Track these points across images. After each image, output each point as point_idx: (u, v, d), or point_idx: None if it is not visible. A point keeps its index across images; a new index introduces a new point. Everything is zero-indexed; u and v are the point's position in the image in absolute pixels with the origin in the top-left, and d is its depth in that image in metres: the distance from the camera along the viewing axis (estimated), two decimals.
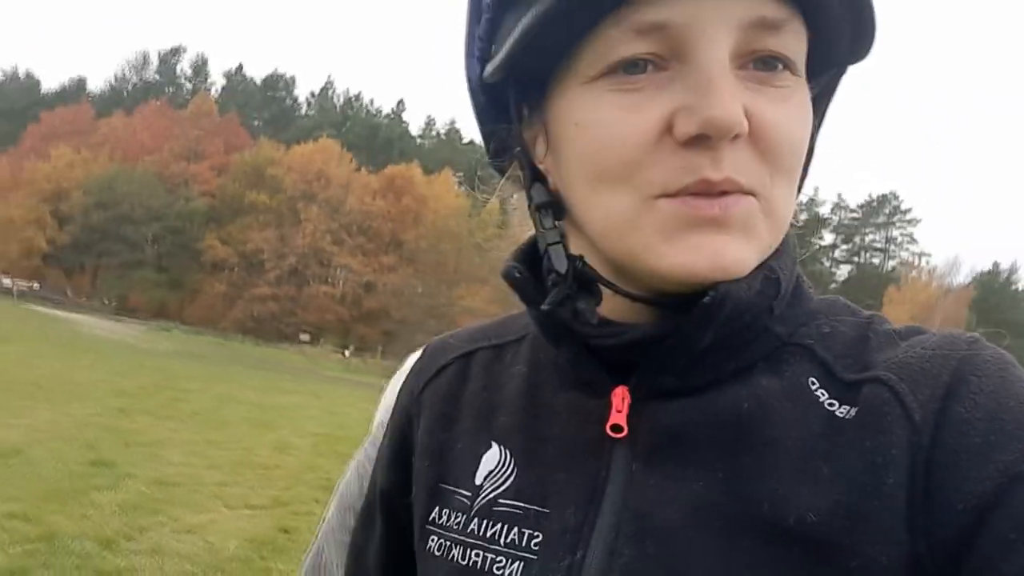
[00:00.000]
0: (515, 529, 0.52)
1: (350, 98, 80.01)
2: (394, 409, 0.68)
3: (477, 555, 0.53)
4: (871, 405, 0.47)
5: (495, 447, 0.57)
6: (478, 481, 0.56)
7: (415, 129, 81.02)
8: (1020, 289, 58.92)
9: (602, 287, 0.51)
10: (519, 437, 0.56)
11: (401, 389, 0.68)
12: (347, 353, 43.89)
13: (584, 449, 0.53)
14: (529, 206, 0.55)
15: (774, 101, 0.46)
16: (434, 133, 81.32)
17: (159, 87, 77.36)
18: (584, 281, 0.51)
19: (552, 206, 0.53)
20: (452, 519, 0.56)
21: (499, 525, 0.53)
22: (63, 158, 53.79)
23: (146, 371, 15.05)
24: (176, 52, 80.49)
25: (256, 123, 72.72)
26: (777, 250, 0.51)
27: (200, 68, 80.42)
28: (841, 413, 0.48)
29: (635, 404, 0.51)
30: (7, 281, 43.60)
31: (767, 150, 0.46)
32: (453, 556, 0.54)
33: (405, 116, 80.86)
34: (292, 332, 47.88)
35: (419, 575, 0.60)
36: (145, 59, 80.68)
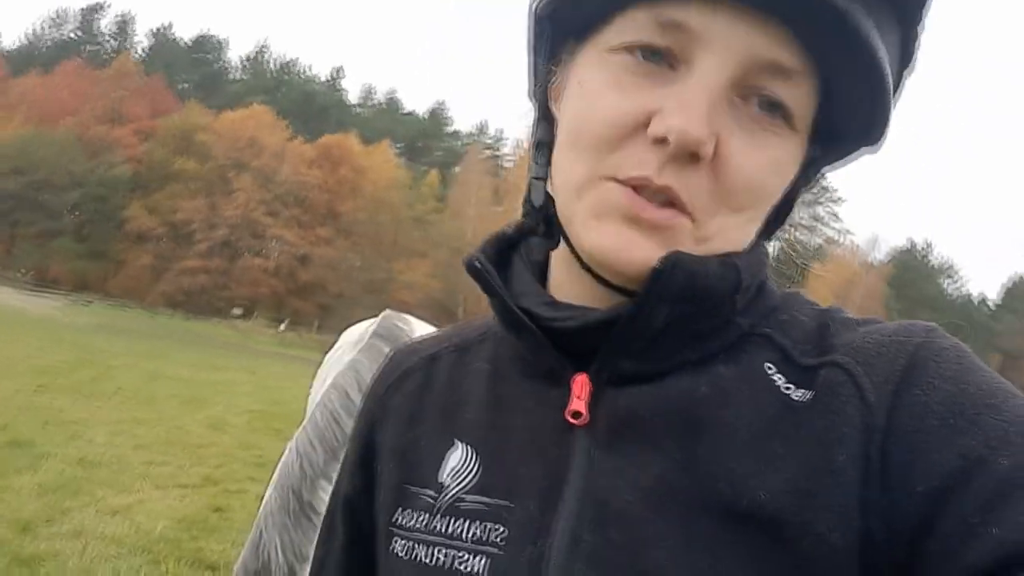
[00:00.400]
0: (478, 524, 0.52)
1: (285, 63, 77.33)
2: (358, 415, 0.68)
3: (442, 553, 0.53)
4: (826, 387, 0.48)
5: (459, 444, 0.57)
6: (442, 480, 0.56)
7: (353, 98, 79.01)
8: (934, 266, 62.29)
9: (564, 260, 0.54)
10: (482, 432, 0.57)
11: (366, 395, 0.69)
12: (281, 327, 42.96)
13: (546, 438, 0.53)
14: (531, 140, 0.59)
15: (753, 143, 0.48)
16: (373, 102, 79.53)
17: (77, 45, 72.92)
18: (549, 224, 0.55)
19: (548, 147, 0.57)
20: (417, 520, 0.56)
21: (463, 522, 0.53)
22: None
23: (67, 346, 14.39)
24: (97, 9, 75.88)
25: (183, 86, 69.48)
26: (739, 253, 0.52)
27: (124, 26, 76.10)
28: (797, 396, 0.49)
29: (596, 392, 0.52)
30: None
31: (722, 184, 0.48)
32: (418, 556, 0.54)
33: (343, 84, 78.65)
34: (224, 306, 46.43)
35: None
36: (63, 15, 75.82)
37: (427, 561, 0.53)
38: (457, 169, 62.72)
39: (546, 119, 0.58)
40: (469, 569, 0.51)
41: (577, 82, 0.53)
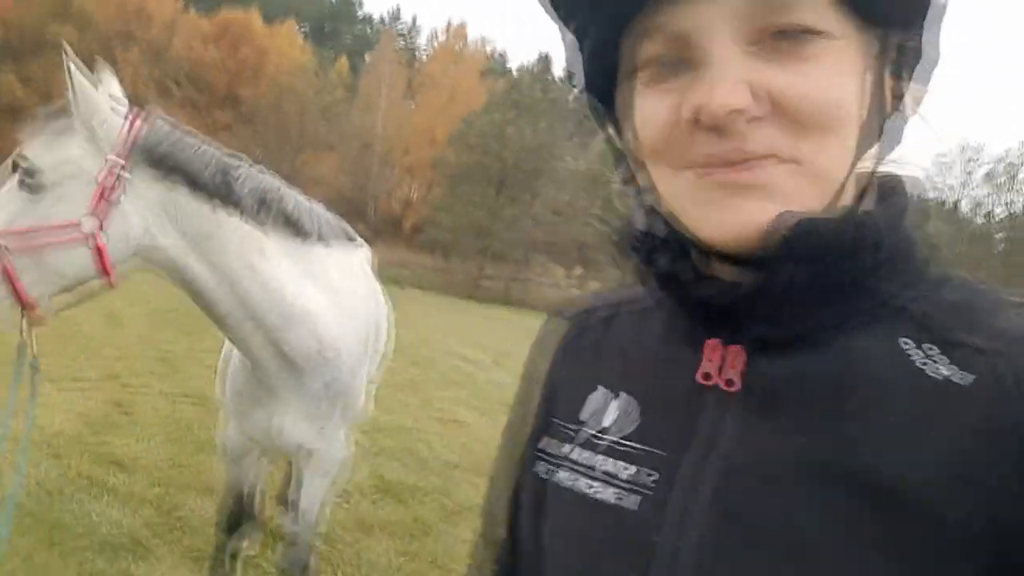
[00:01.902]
0: (633, 467, 0.59)
1: None
2: (536, 363, 0.75)
3: (598, 485, 0.60)
4: (982, 376, 0.48)
5: (622, 395, 0.64)
6: (604, 424, 0.63)
7: None
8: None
9: (693, 248, 0.58)
10: (639, 386, 0.63)
11: (540, 345, 0.76)
12: None
13: (693, 398, 0.58)
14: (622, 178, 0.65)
15: (790, 69, 0.50)
16: None
17: None
18: (679, 244, 0.59)
19: (632, 180, 0.63)
20: (579, 454, 0.63)
21: (619, 462, 0.60)
22: None
23: None
24: None
25: None
26: (875, 200, 0.55)
27: None
28: (953, 379, 0.49)
29: (745, 360, 0.56)
30: None
31: (788, 116, 0.50)
32: (575, 484, 0.62)
33: None
34: None
35: (532, 494, 0.67)
36: None
37: (584, 490, 0.61)
38: (368, 58, 59.73)
39: (623, 159, 0.65)
40: (620, 503, 0.58)
41: (624, 117, 0.60)
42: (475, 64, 57.47)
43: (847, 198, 0.55)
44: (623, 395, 0.64)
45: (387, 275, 2.85)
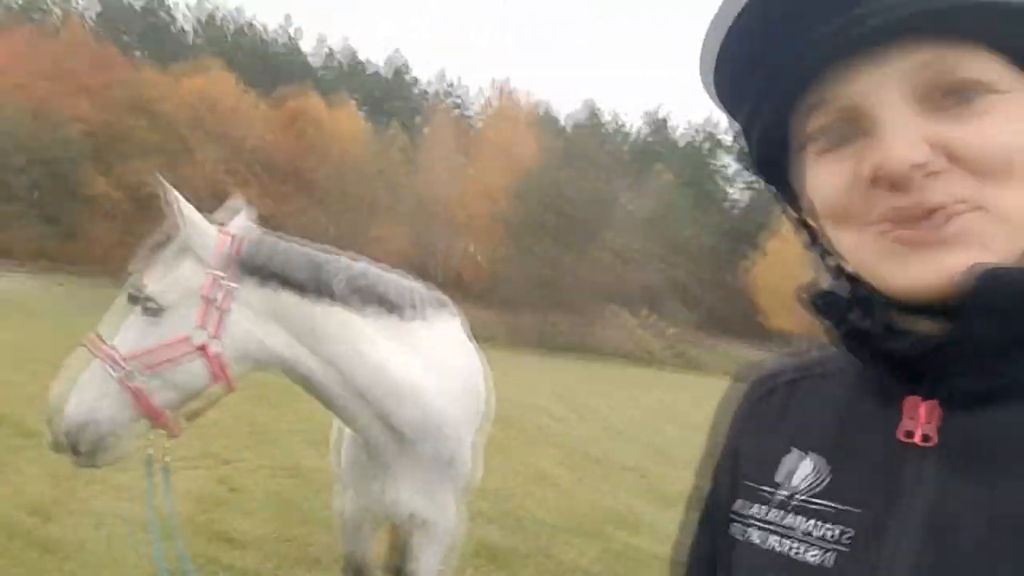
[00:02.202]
0: (826, 525, 0.59)
1: (238, 21, 74.82)
2: (720, 427, 0.79)
3: (789, 544, 0.61)
4: None
5: (809, 455, 0.65)
6: (795, 483, 0.64)
7: (306, 47, 77.07)
8: None
9: (883, 303, 0.59)
10: (829, 446, 0.64)
11: (730, 410, 0.79)
12: None
13: (889, 456, 0.58)
14: (808, 248, 0.68)
15: (966, 124, 0.52)
16: (327, 51, 77.54)
17: (21, 13, 69.59)
18: (863, 299, 0.61)
19: (815, 246, 0.66)
20: (767, 513, 0.65)
21: (811, 520, 0.61)
22: None
23: (44, 326, 14.12)
24: None
25: (136, 52, 66.98)
26: None
27: None
28: None
29: (944, 415, 0.56)
30: None
31: (972, 166, 0.52)
32: (767, 542, 0.63)
33: (293, 33, 76.47)
34: None
35: (722, 558, 0.69)
36: None
37: (776, 549, 0.62)
38: (419, 120, 61.74)
39: (806, 227, 0.67)
40: (814, 561, 0.59)
41: (801, 187, 0.63)
42: (524, 118, 58.67)
43: None
44: (814, 455, 0.64)
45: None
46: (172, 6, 73.98)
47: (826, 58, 0.55)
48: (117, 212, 47.07)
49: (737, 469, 0.72)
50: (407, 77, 75.87)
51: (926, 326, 0.56)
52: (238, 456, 6.05)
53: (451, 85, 72.09)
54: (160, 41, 71.12)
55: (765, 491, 0.66)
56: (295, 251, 2.03)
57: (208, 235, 1.92)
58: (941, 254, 0.52)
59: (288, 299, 1.96)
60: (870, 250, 0.56)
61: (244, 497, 5.04)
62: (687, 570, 0.79)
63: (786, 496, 0.64)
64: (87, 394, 1.82)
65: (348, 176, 48.70)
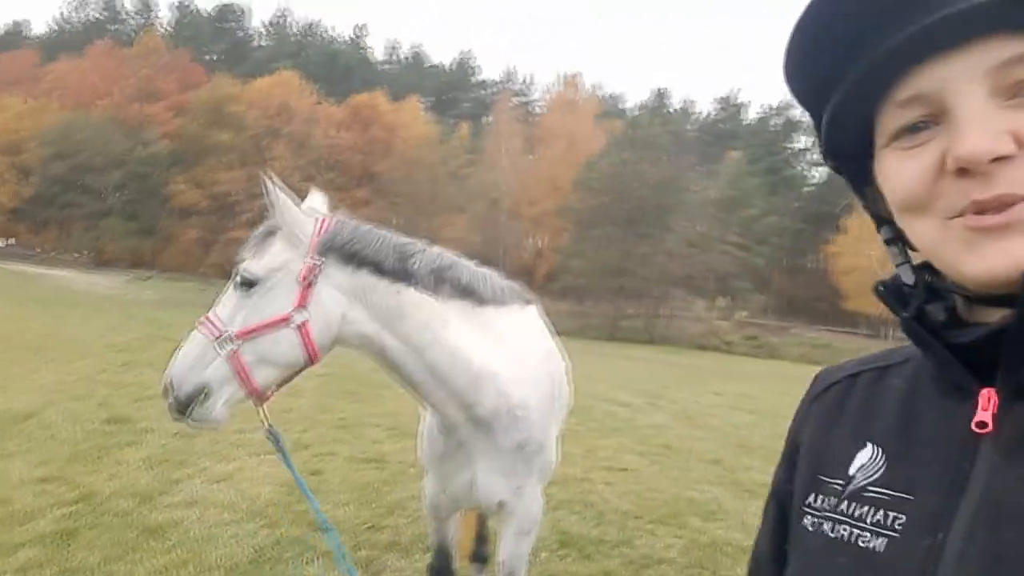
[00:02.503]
0: (881, 511, 0.62)
1: (308, 25, 76.75)
2: (791, 422, 0.81)
3: (845, 530, 0.64)
4: None
5: (869, 446, 0.67)
6: (851, 472, 0.66)
7: (378, 55, 78.31)
8: None
9: (950, 292, 0.61)
10: (891, 437, 0.66)
11: (798, 406, 0.82)
12: None
13: (950, 446, 0.60)
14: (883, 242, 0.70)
15: None
16: (398, 57, 78.66)
17: (102, 26, 73.39)
18: (933, 289, 0.63)
19: (896, 240, 0.68)
20: (825, 502, 0.67)
21: (867, 507, 0.63)
22: (11, 108, 51.40)
23: (137, 323, 14.96)
24: None
25: (209, 58, 69.65)
26: None
27: (145, 3, 76.19)
28: None
29: (1004, 403, 0.57)
30: None
31: None
32: (823, 530, 0.66)
33: (366, 41, 77.86)
34: None
35: (792, 550, 0.71)
36: None
37: (832, 535, 0.64)
38: (487, 119, 62.06)
39: (886, 222, 0.69)
40: (869, 546, 0.61)
41: (881, 178, 0.64)
42: (590, 110, 58.16)
43: None
44: (872, 445, 0.67)
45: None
46: (243, 12, 76.36)
47: (917, 53, 0.56)
48: (196, 213, 49.27)
49: (804, 463, 0.74)
50: (473, 75, 76.22)
51: (996, 317, 0.58)
52: (327, 448, 6.23)
53: (522, 82, 71.95)
54: (232, 47, 73.73)
55: (837, 484, 0.67)
56: (375, 234, 2.12)
57: (299, 218, 2.04)
58: (1011, 242, 0.53)
59: (367, 279, 2.05)
60: (945, 240, 0.58)
61: (333, 486, 5.20)
62: (762, 564, 0.81)
63: (847, 486, 0.66)
64: (188, 353, 1.97)
65: (413, 170, 49.34)
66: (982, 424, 0.57)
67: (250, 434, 6.35)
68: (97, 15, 75.81)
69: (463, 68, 76.44)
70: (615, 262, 40.89)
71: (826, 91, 0.63)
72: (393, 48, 78.72)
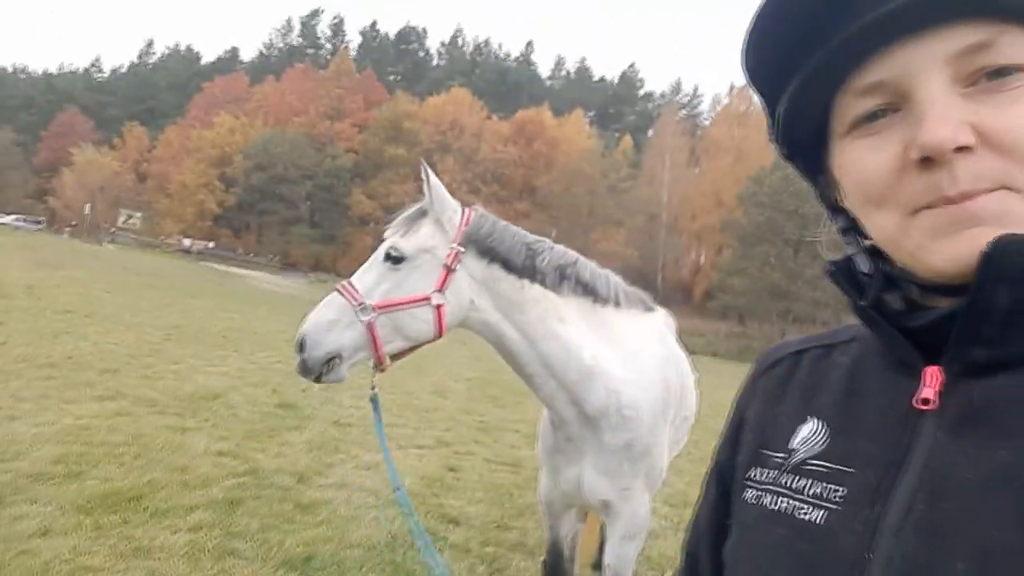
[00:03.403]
0: (821, 484, 0.61)
1: (479, 44, 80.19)
2: (736, 398, 0.82)
3: (784, 502, 0.63)
4: None
5: (812, 420, 0.67)
6: (793, 446, 0.66)
7: (544, 71, 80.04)
8: None
9: (906, 281, 0.61)
10: (834, 411, 0.66)
11: (743, 382, 0.83)
12: None
13: (892, 420, 0.60)
14: (838, 232, 0.70)
15: (1004, 105, 0.53)
16: (563, 73, 79.90)
17: (302, 50, 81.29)
18: (889, 278, 0.63)
19: (851, 229, 0.67)
20: (767, 475, 0.67)
21: (807, 480, 0.63)
22: (224, 125, 58.38)
23: None
24: (315, 15, 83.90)
25: (392, 77, 74.80)
26: None
27: (337, 28, 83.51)
28: None
29: (948, 380, 0.57)
30: (187, 242, 48.50)
31: (1006, 149, 0.53)
32: (764, 503, 0.65)
33: (534, 58, 79.85)
34: None
35: (733, 523, 0.71)
36: (289, 24, 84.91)
37: (772, 507, 0.64)
38: (650, 133, 61.29)
39: (840, 211, 0.68)
40: (808, 518, 0.60)
41: (841, 171, 0.64)
42: (761, 122, 55.44)
43: None
44: (814, 419, 0.66)
45: (680, 343, 2.86)
46: (423, 33, 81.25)
47: (877, 40, 0.55)
48: (370, 221, 53.07)
49: (748, 437, 0.73)
50: (639, 87, 75.71)
51: (947, 304, 0.58)
52: (466, 448, 6.49)
53: (684, 95, 70.52)
54: (412, 67, 78.68)
55: (779, 457, 0.67)
56: (511, 230, 2.26)
57: (452, 205, 2.21)
58: (975, 231, 0.53)
59: (501, 275, 2.18)
60: (907, 232, 0.57)
61: (468, 484, 5.41)
62: (701, 537, 0.80)
63: (789, 459, 0.66)
64: (324, 316, 2.12)
65: (572, 184, 49.77)
66: (925, 400, 0.57)
67: (400, 428, 6.79)
68: (297, 40, 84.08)
69: (628, 81, 76.15)
70: (780, 283, 38.72)
71: (785, 78, 0.62)
72: (559, 63, 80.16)
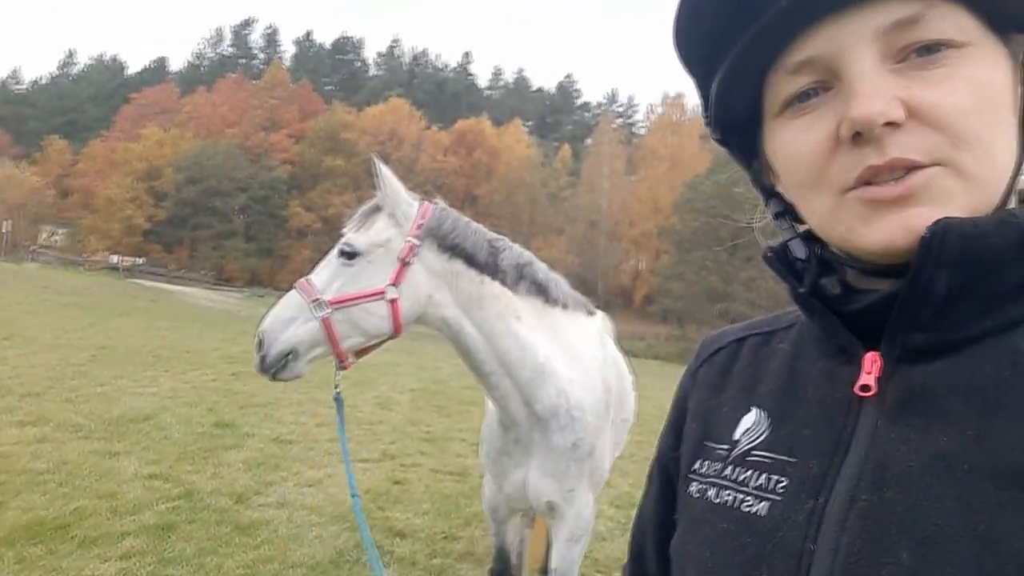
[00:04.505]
0: (764, 475, 0.60)
1: (417, 55, 80.00)
2: (677, 389, 0.81)
3: (728, 495, 0.62)
4: None
5: (753, 409, 0.66)
6: (736, 437, 0.66)
7: (483, 81, 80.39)
8: None
9: (841, 264, 0.61)
10: (775, 400, 0.65)
11: (684, 372, 0.81)
12: None
13: (833, 408, 0.59)
14: (771, 217, 0.69)
15: (934, 81, 0.53)
16: (501, 83, 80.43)
17: (233, 61, 79.45)
18: (825, 262, 0.63)
19: (785, 213, 0.67)
20: (710, 468, 0.66)
21: (750, 472, 0.62)
22: (153, 137, 56.45)
23: (249, 337, 15.80)
24: (248, 24, 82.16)
25: (328, 88, 73.82)
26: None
27: (271, 38, 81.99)
28: None
29: (887, 366, 0.56)
30: (114, 258, 46.54)
31: (936, 125, 0.52)
32: (708, 496, 0.65)
33: (472, 68, 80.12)
34: None
35: (679, 517, 0.70)
36: (219, 34, 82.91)
37: (716, 500, 0.63)
38: (588, 141, 62.20)
39: (774, 195, 0.68)
40: (751, 510, 0.59)
41: (774, 153, 0.63)
42: (694, 130, 57.16)
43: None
44: (756, 409, 0.66)
45: (620, 347, 2.89)
46: (359, 43, 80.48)
47: (807, 14, 0.55)
48: (308, 233, 52.12)
49: (691, 428, 0.73)
50: (576, 97, 76.76)
51: (886, 286, 0.57)
52: (412, 460, 6.40)
53: (620, 104, 71.87)
54: (348, 77, 77.83)
55: (722, 449, 0.66)
56: (472, 226, 2.26)
57: (405, 199, 2.19)
58: (907, 211, 0.53)
59: (462, 270, 2.18)
60: (840, 214, 0.56)
61: (414, 496, 5.33)
62: (646, 532, 0.79)
63: (732, 450, 0.65)
64: (282, 312, 2.11)
65: (513, 192, 50.09)
66: (865, 387, 0.56)
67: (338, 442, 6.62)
68: (229, 51, 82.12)
69: (565, 91, 77.21)
70: (718, 285, 39.75)
71: (717, 58, 0.60)
72: (497, 74, 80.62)
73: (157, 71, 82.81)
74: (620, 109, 73.78)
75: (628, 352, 2.87)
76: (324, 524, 4.45)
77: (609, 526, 5.07)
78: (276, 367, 2.08)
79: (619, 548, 4.58)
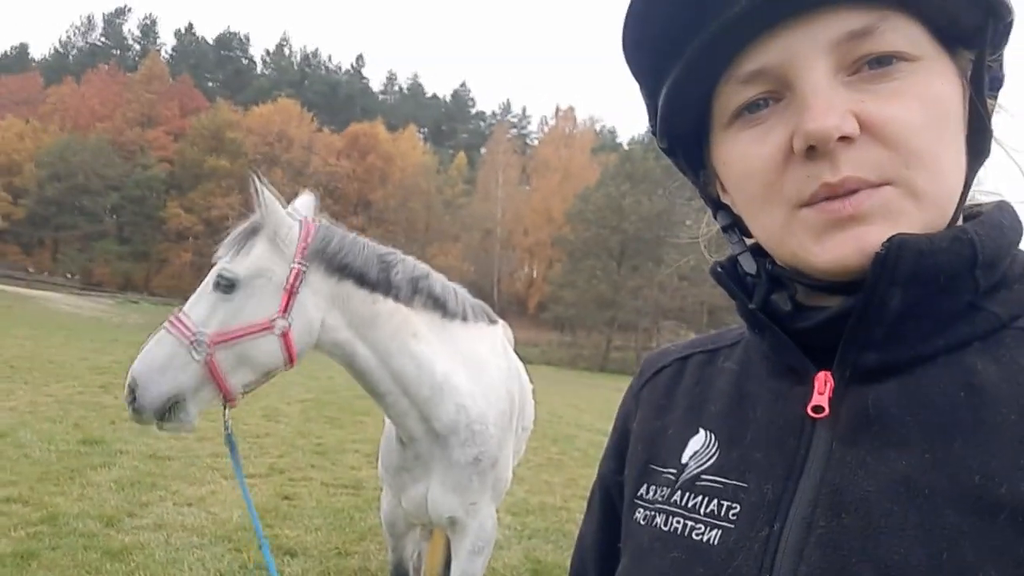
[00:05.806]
0: (715, 501, 0.58)
1: (307, 55, 77.79)
2: (619, 409, 0.77)
3: (678, 522, 0.59)
4: None
5: (701, 431, 0.63)
6: (684, 460, 0.62)
7: (376, 85, 79.24)
8: None
9: (791, 280, 0.59)
10: (723, 422, 0.62)
11: (626, 392, 0.78)
12: None
13: (785, 430, 0.57)
14: (719, 229, 0.68)
15: (886, 95, 0.52)
16: (396, 88, 79.59)
17: (106, 51, 74.21)
18: (775, 278, 0.60)
19: (734, 226, 0.65)
20: (658, 493, 0.63)
21: (700, 497, 0.59)
22: (12, 129, 51.68)
23: (121, 346, 14.81)
24: (122, 13, 77.01)
25: (211, 84, 70.34)
26: (976, 220, 0.54)
27: (148, 29, 77.18)
28: None
29: (840, 387, 0.54)
30: None
31: (888, 141, 0.51)
32: (656, 523, 0.61)
33: (365, 72, 78.86)
34: None
35: (624, 546, 0.66)
36: (90, 22, 77.20)
37: (664, 528, 0.60)
38: (484, 151, 62.61)
39: (722, 207, 0.66)
40: (703, 538, 0.56)
41: (722, 164, 0.61)
42: (586, 143, 58.85)
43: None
44: (704, 431, 0.63)
45: (517, 354, 2.90)
46: (245, 40, 77.28)
47: (758, 23, 0.53)
48: (189, 236, 49.30)
49: (635, 451, 0.70)
50: (471, 106, 77.08)
51: (836, 303, 0.55)
52: (302, 473, 6.15)
53: (514, 115, 72.83)
54: (234, 74, 74.49)
55: (670, 473, 0.63)
56: (360, 243, 2.12)
57: (285, 221, 2.01)
58: (859, 229, 0.52)
59: (352, 290, 2.05)
60: (792, 230, 0.55)
61: (304, 511, 5.12)
62: (587, 560, 0.76)
63: (680, 475, 0.62)
64: (156, 355, 1.89)
65: (408, 199, 49.63)
66: (818, 408, 0.54)
67: (224, 458, 6.28)
68: (100, 40, 76.62)
69: (460, 99, 77.40)
70: (607, 294, 41.00)
71: (666, 67, 0.58)
72: (391, 78, 79.69)
73: (17, 58, 75.94)
74: (515, 120, 74.79)
75: (523, 359, 2.88)
76: (206, 546, 4.19)
77: (507, 534, 5.07)
78: (157, 417, 1.89)
79: (516, 557, 4.59)
